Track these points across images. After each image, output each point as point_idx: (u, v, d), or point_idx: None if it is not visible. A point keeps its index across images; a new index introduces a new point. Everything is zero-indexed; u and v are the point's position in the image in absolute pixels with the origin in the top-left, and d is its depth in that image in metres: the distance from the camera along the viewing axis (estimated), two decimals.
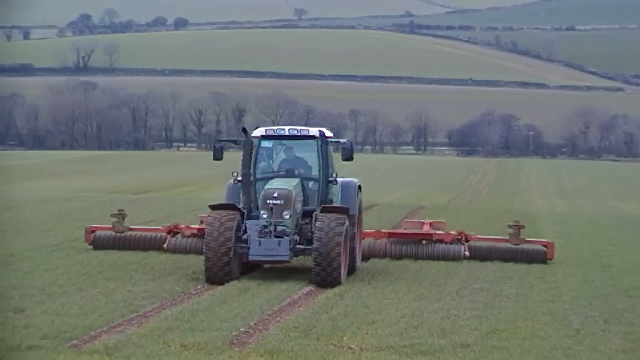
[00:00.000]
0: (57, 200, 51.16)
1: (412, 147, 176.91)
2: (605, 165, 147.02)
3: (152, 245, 30.58)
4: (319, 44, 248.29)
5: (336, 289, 24.18)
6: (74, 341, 17.79)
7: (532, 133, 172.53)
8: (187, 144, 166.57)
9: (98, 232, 30.98)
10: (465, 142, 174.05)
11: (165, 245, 30.12)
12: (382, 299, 23.09)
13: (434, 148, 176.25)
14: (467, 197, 74.93)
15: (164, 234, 30.58)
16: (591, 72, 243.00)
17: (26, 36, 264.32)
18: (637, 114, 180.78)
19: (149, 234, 31.17)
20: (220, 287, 24.08)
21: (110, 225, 31.06)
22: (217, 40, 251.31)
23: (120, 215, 31.15)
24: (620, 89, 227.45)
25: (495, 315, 21.51)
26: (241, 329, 19.00)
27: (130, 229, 31.22)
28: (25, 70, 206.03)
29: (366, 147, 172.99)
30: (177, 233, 30.34)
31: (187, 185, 73.46)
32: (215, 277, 24.58)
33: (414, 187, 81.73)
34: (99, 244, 30.50)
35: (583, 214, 58.45)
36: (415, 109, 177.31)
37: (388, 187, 78.11)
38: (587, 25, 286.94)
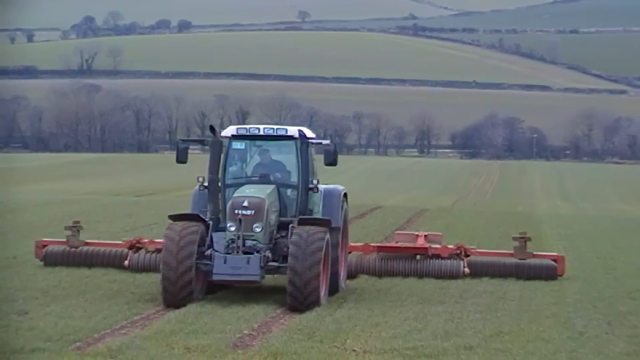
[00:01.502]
0: (61, 203, 51.16)
1: (415, 150, 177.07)
2: (608, 167, 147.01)
3: (111, 262, 27.12)
4: (322, 47, 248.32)
5: (340, 293, 24.01)
6: (78, 343, 17.82)
7: (535, 136, 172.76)
8: (191, 147, 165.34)
9: (50, 247, 27.57)
10: (469, 144, 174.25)
11: (126, 263, 26.61)
12: (386, 302, 23.12)
13: (438, 151, 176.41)
14: (471, 199, 74.96)
15: (125, 250, 27.10)
16: (595, 75, 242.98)
17: (30, 39, 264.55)
18: None
19: (107, 249, 27.67)
20: (224, 291, 23.02)
21: (64, 239, 27.63)
22: (221, 43, 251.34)
23: (76, 228, 27.84)
24: (623, 92, 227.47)
25: (499, 317, 21.53)
26: (245, 332, 19.01)
27: (87, 244, 27.78)
28: (29, 72, 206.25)
29: (370, 149, 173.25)
30: (140, 248, 26.89)
31: (191, 188, 73.20)
32: (174, 299, 21.20)
33: (418, 189, 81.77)
34: (50, 260, 27.22)
35: (587, 216, 58.46)
36: (419, 111, 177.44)
37: (391, 189, 78.24)
38: (590, 28, 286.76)
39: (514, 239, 27.59)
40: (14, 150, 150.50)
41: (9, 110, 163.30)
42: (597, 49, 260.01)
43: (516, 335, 19.67)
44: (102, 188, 68.44)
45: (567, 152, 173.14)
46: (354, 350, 17.84)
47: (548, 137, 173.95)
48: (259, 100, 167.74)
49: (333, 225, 22.69)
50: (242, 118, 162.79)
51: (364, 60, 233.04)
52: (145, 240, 27.01)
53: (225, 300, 22.16)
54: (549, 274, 26.77)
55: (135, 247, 26.95)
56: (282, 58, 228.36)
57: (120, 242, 28.14)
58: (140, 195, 62.44)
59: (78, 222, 28.38)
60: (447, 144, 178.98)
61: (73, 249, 27.35)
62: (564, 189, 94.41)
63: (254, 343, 18.18)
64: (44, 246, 27.53)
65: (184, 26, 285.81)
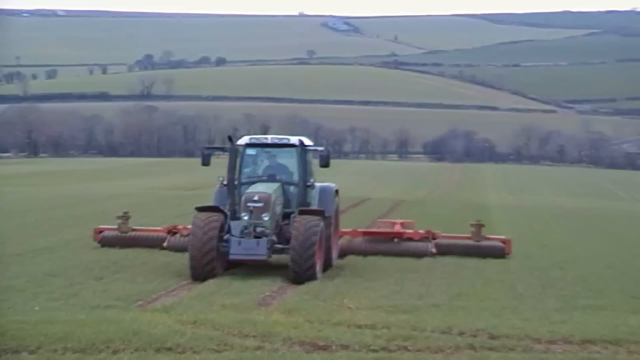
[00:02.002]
0: (127, 195, 51.28)
1: (396, 155, 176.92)
2: (542, 169, 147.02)
3: (153, 243, 26.31)
4: (325, 77, 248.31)
5: (339, 264, 23.92)
6: (140, 302, 17.91)
7: (487, 144, 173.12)
8: (225, 153, 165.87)
9: (105, 232, 27.05)
10: (437, 151, 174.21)
11: (165, 244, 26.05)
12: (373, 271, 23.06)
13: (413, 156, 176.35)
14: (438, 193, 74.92)
15: (164, 234, 26.54)
16: (531, 98, 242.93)
17: (104, 71, 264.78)
18: (566, 130, 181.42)
19: (150, 234, 27.04)
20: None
21: (116, 226, 27.01)
22: (248, 74, 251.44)
23: (125, 217, 27.16)
24: (553, 111, 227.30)
25: (459, 283, 21.51)
26: (266, 293, 19.07)
27: (134, 230, 27.12)
28: (103, 97, 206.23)
29: (361, 155, 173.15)
30: (176, 233, 26.26)
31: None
32: (199, 274, 20.66)
33: (398, 185, 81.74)
34: (106, 243, 26.58)
35: (526, 206, 58.48)
36: (399, 126, 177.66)
37: (378, 185, 78.17)
38: (528, 63, 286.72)
39: (471, 225, 26.91)
40: (92, 156, 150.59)
41: (88, 125, 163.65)
42: (533, 78, 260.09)
43: (472, 296, 19.69)
44: (158, 184, 68.43)
45: (511, 157, 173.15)
46: (349, 307, 17.82)
47: (497, 146, 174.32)
48: (277, 118, 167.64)
49: (326, 215, 22.21)
50: (264, 132, 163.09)
51: (356, 87, 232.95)
52: (180, 227, 26.27)
53: (252, 270, 21.96)
54: (498, 253, 26.21)
55: (172, 232, 26.36)
56: (294, 85, 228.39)
57: (160, 228, 27.22)
58: (187, 189, 62.46)
59: (127, 212, 27.55)
60: (420, 151, 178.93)
61: (123, 234, 26.78)
62: (509, 185, 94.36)
63: (274, 302, 18.20)
64: (101, 232, 27.02)
65: (220, 62, 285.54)
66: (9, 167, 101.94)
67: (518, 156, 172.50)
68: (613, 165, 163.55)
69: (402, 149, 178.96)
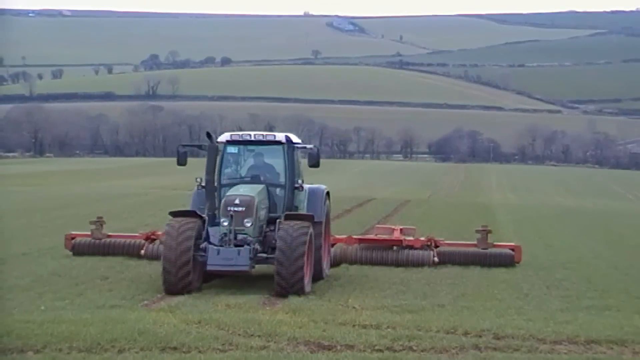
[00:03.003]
0: (132, 195, 51.32)
1: (401, 155, 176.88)
2: (547, 169, 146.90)
3: (130, 251, 24.09)
4: (330, 77, 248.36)
5: (334, 271, 23.04)
6: (145, 302, 17.94)
7: (492, 144, 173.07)
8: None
9: (77, 239, 24.60)
10: (441, 151, 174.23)
11: (142, 252, 23.67)
12: (377, 271, 22.99)
13: (418, 156, 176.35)
14: (443, 193, 74.88)
15: (142, 241, 24.10)
16: (537, 99, 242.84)
17: (109, 71, 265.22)
18: (571, 130, 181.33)
19: (126, 240, 24.56)
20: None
21: (89, 232, 24.66)
22: (253, 74, 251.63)
23: (99, 222, 24.73)
24: (558, 111, 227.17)
25: (464, 283, 21.50)
26: (272, 294, 18.98)
27: (109, 236, 24.68)
28: (109, 97, 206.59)
29: (366, 155, 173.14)
30: (155, 239, 23.64)
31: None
32: (174, 288, 18.44)
33: (402, 185, 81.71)
34: (78, 251, 24.23)
35: (530, 206, 58.41)
36: (403, 126, 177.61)
37: (382, 185, 78.14)
38: (533, 63, 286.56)
39: (477, 231, 24.76)
40: (97, 156, 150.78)
41: (94, 125, 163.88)
42: (538, 79, 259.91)
43: (477, 296, 19.69)
44: (164, 184, 68.42)
45: (516, 157, 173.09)
46: (354, 307, 17.81)
47: (501, 146, 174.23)
48: (283, 118, 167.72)
49: (316, 220, 19.83)
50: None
51: (361, 87, 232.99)
52: (159, 232, 22.95)
53: (257, 270, 20.63)
54: (507, 261, 24.11)
55: (150, 238, 23.92)
56: (299, 85, 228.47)
57: (137, 234, 25.02)
58: (192, 189, 62.33)
59: (101, 217, 25.14)
60: (425, 151, 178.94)
61: (97, 241, 24.42)
62: (513, 185, 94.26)
63: (278, 302, 18.14)
64: (72, 238, 24.69)
65: (226, 62, 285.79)
66: (15, 167, 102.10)
67: (523, 156, 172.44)
68: (618, 165, 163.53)
69: (407, 149, 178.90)
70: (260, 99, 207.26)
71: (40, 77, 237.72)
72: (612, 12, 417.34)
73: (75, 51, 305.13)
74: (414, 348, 13.96)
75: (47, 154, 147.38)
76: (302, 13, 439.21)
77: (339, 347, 13.88)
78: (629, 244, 34.10)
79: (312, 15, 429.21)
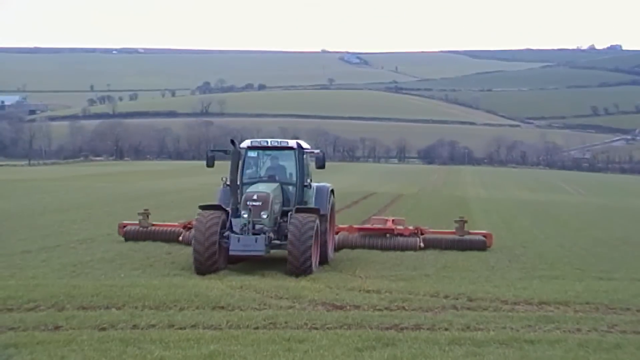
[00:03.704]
0: (189, 190, 51.39)
1: (396, 159, 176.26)
2: (509, 170, 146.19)
3: (170, 237, 22.68)
4: (341, 99, 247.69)
5: (340, 252, 22.37)
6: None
7: (466, 151, 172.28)
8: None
9: (128, 227, 23.46)
10: (427, 156, 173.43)
11: (180, 238, 22.42)
12: (377, 251, 22.76)
13: (409, 160, 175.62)
14: (429, 188, 74.66)
15: (180, 229, 22.94)
16: (501, 116, 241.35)
17: (173, 94, 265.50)
18: (528, 140, 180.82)
19: (167, 228, 23.28)
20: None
21: (137, 222, 23.50)
22: (283, 96, 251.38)
23: (145, 214, 23.60)
24: (518, 126, 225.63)
25: (445, 258, 21.42)
26: (284, 273, 18.18)
27: (153, 225, 23.48)
28: (172, 114, 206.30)
29: (369, 159, 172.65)
30: (190, 228, 21.93)
31: None
32: (203, 268, 17.41)
33: (397, 182, 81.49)
34: (129, 237, 23.06)
35: (496, 198, 58.17)
36: (398, 136, 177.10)
37: (381, 182, 77.91)
38: (499, 88, 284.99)
39: (456, 221, 23.75)
40: (163, 159, 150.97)
41: (161, 135, 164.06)
42: (502, 100, 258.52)
43: (455, 268, 19.64)
44: (214, 181, 68.42)
45: (485, 161, 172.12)
46: (360, 277, 17.82)
47: (474, 152, 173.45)
48: (305, 131, 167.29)
49: (322, 213, 18.87)
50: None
51: (366, 107, 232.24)
52: (194, 222, 21.23)
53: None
54: (480, 246, 23.11)
55: (187, 227, 22.60)
56: (318, 105, 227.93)
57: (176, 223, 23.77)
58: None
59: (147, 209, 23.99)
60: (415, 156, 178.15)
61: (144, 228, 23.26)
62: (483, 183, 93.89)
63: None
64: (124, 226, 23.61)
65: (262, 87, 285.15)
66: (101, 168, 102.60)
67: (490, 160, 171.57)
68: (563, 167, 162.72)
69: (401, 155, 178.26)
70: (287, 116, 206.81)
71: (120, 99, 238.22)
72: (559, 50, 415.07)
73: (147, 79, 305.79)
74: (406, 308, 13.96)
75: (125, 158, 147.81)
76: (320, 50, 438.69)
77: (348, 307, 13.89)
78: (572, 227, 33.98)
79: (328, 52, 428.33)
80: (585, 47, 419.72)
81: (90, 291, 14.27)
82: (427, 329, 12.19)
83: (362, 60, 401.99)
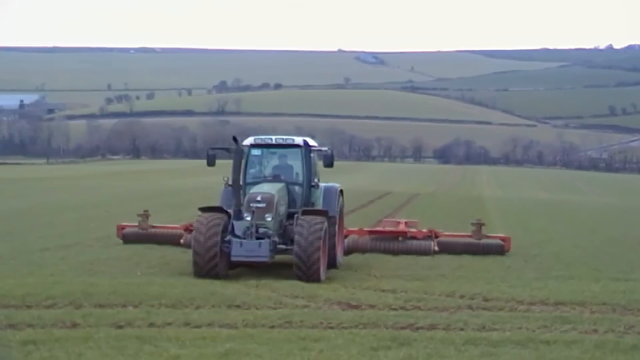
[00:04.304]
0: (206, 188, 51.46)
1: (412, 159, 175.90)
2: (525, 170, 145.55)
3: (171, 240, 21.43)
4: (357, 98, 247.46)
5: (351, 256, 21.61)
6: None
7: (483, 151, 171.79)
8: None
9: (127, 229, 22.25)
10: (443, 156, 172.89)
11: (181, 241, 21.06)
12: None
13: (425, 159, 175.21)
14: (444, 188, 74.46)
15: (181, 231, 21.54)
16: (517, 115, 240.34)
17: (189, 93, 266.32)
18: (544, 140, 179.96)
19: (168, 230, 22.04)
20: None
21: (137, 224, 22.20)
22: (299, 96, 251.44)
23: (145, 215, 22.22)
24: (534, 125, 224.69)
25: (460, 257, 21.29)
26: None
27: (153, 227, 22.14)
28: (188, 113, 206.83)
29: (385, 158, 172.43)
30: (192, 230, 18.71)
31: None
32: (202, 270, 16.21)
33: (413, 182, 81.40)
34: (128, 239, 21.88)
35: (512, 198, 57.94)
36: (414, 136, 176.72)
37: (397, 182, 77.84)
38: (515, 88, 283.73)
39: (472, 224, 22.36)
40: (179, 158, 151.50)
41: (177, 134, 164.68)
42: (519, 100, 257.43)
43: (470, 268, 19.53)
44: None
45: (501, 160, 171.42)
46: (375, 276, 17.80)
47: (490, 152, 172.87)
48: (321, 130, 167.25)
49: (330, 215, 17.42)
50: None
51: (381, 106, 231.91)
52: (195, 225, 19.51)
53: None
54: (497, 251, 21.77)
55: (188, 229, 20.84)
56: (334, 105, 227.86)
57: (178, 225, 22.58)
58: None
59: (147, 210, 22.52)
60: (431, 156, 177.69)
61: (143, 231, 22.00)
62: (499, 182, 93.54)
63: None
64: (123, 228, 22.41)
65: (278, 86, 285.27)
66: (119, 167, 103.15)
67: (506, 160, 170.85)
68: (580, 167, 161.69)
69: (417, 154, 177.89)
70: (304, 115, 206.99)
71: (137, 98, 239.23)
72: (576, 49, 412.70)
73: (164, 79, 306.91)
74: (422, 307, 13.91)
75: (142, 157, 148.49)
76: (336, 49, 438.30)
77: (363, 306, 13.86)
78: (589, 228, 33.73)
79: (344, 51, 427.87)
80: (602, 46, 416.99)
81: (107, 289, 14.34)
82: (443, 328, 12.14)
83: (378, 59, 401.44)
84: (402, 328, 12.07)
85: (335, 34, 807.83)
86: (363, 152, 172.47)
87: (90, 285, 14.69)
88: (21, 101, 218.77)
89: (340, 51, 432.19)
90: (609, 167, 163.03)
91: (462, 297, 14.99)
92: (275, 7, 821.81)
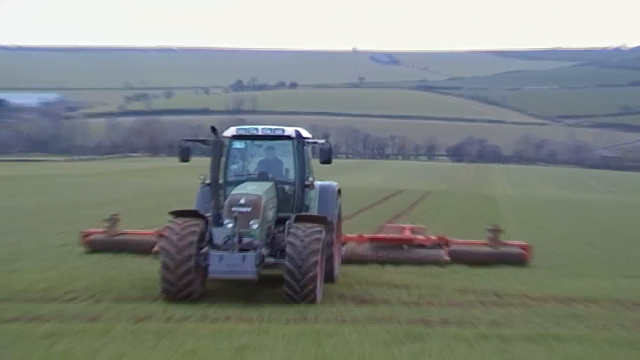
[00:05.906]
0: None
1: (425, 157, 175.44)
2: (537, 168, 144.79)
3: (142, 248, 18.68)
4: (372, 97, 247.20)
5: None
6: None
7: (495, 149, 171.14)
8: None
9: (93, 236, 19.41)
10: (457, 154, 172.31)
11: (154, 249, 17.77)
12: None
13: (439, 157, 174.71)
14: (458, 186, 74.15)
15: (155, 237, 18.71)
16: (530, 114, 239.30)
17: (206, 92, 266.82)
18: (556, 138, 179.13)
19: (139, 237, 19.27)
20: None
21: (104, 229, 19.51)
22: (314, 95, 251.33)
23: (113, 220, 19.55)
24: (547, 124, 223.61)
25: None
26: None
27: (123, 233, 19.47)
28: (205, 111, 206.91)
29: (399, 156, 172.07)
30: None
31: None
32: (173, 288, 12.95)
33: (426, 180, 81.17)
34: (94, 247, 19.11)
35: (525, 196, 57.65)
36: (428, 134, 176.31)
37: (411, 180, 77.64)
38: (527, 87, 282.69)
39: (488, 230, 19.74)
40: (196, 156, 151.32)
41: (195, 132, 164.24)
42: (531, 99, 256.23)
43: (483, 265, 19.46)
44: None
45: (514, 159, 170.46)
46: (388, 272, 17.81)
47: (503, 150, 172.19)
48: (335, 128, 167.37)
49: (329, 220, 14.30)
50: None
51: (395, 105, 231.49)
52: (166, 232, 14.09)
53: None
54: (517, 260, 19.15)
55: (163, 235, 14.67)
56: (349, 103, 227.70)
57: (150, 231, 20.01)
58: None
59: (116, 214, 19.99)
60: (444, 154, 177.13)
61: (111, 238, 19.33)
62: (512, 181, 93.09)
63: None
64: (87, 235, 19.62)
65: (293, 85, 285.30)
66: (137, 164, 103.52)
67: (519, 158, 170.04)
68: (593, 166, 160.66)
69: (430, 152, 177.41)
70: (318, 114, 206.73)
71: (155, 97, 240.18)
72: (589, 49, 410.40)
73: (182, 77, 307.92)
74: (434, 303, 13.92)
75: (160, 154, 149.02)
76: (351, 49, 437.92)
77: (377, 302, 13.88)
78: (601, 226, 33.54)
79: (359, 51, 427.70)
80: (615, 46, 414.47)
81: (125, 284, 14.42)
82: (455, 324, 12.12)
83: (392, 59, 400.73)
84: (415, 323, 12.05)
85: (349, 34, 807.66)
86: (377, 150, 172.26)
87: (109, 280, 14.78)
88: (42, 99, 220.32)
89: (354, 51, 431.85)
90: (622, 166, 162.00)
91: (474, 293, 14.97)
92: (290, 8, 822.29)
